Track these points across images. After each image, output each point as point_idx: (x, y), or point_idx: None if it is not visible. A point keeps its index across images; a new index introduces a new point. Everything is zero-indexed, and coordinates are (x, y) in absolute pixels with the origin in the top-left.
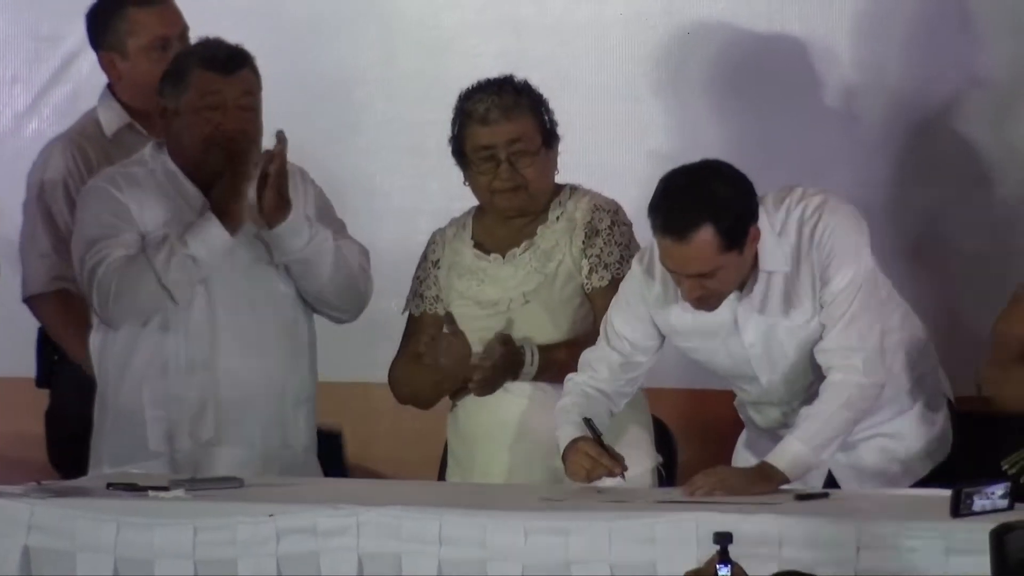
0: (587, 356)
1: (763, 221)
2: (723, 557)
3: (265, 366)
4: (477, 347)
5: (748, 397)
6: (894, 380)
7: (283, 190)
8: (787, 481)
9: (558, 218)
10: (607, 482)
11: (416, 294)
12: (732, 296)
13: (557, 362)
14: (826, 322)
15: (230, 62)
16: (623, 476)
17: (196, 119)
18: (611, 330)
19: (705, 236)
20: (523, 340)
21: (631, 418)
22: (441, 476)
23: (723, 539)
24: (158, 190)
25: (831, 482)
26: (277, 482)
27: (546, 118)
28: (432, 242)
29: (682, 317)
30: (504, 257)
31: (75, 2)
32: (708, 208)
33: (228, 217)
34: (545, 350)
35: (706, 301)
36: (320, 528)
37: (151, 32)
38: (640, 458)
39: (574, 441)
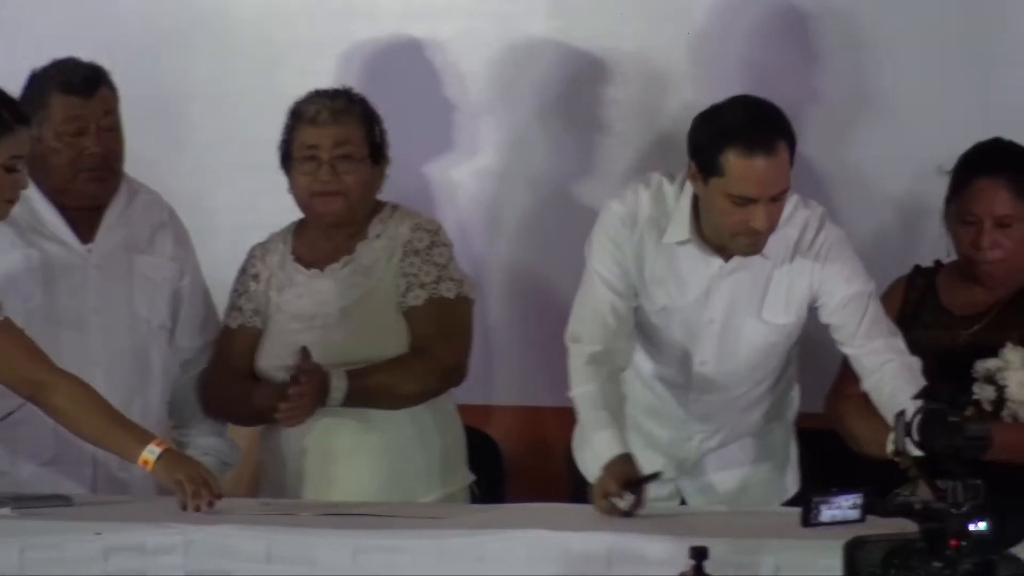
0: (577, 316)
1: None
2: (698, 572)
3: (108, 388)
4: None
5: (663, 390)
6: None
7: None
8: None
9: (378, 236)
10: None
11: (234, 307)
12: (716, 264)
13: (371, 387)
14: (846, 325)
15: (88, 83)
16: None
17: (60, 144)
18: (596, 274)
19: (783, 152)
20: (330, 366)
21: (443, 435)
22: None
23: (699, 554)
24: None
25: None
26: (107, 500)
27: (376, 132)
28: (251, 256)
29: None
30: (323, 271)
31: None
32: (781, 124)
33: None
34: (358, 375)
35: (764, 238)
36: (148, 546)
37: None
38: (452, 478)
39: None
